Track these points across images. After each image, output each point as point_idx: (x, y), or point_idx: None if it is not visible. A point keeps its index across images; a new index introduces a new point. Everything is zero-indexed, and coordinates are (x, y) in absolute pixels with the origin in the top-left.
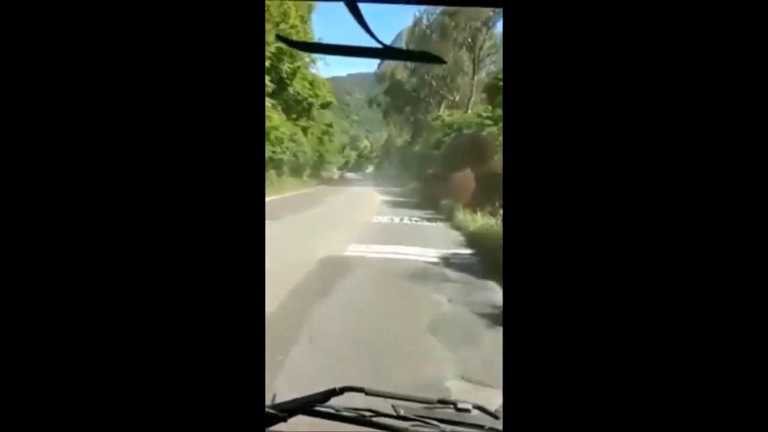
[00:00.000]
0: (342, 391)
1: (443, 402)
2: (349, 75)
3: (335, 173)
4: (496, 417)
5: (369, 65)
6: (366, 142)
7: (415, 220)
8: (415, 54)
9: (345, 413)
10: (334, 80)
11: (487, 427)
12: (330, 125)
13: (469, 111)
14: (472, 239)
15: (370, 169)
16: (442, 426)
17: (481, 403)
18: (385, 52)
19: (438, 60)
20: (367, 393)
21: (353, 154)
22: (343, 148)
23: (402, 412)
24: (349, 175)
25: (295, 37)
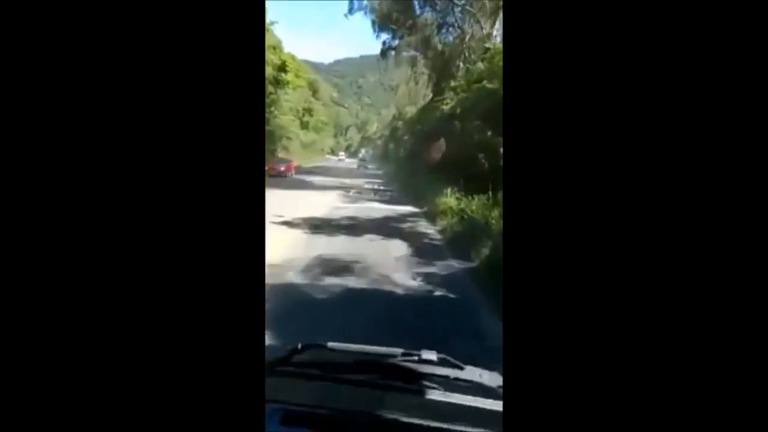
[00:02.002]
0: (304, 348)
1: (407, 354)
2: (362, 56)
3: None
4: (460, 367)
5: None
6: (376, 125)
7: None
8: None
9: (309, 371)
10: (347, 62)
11: (451, 378)
12: (284, 67)
13: None
14: None
15: (363, 152)
16: (406, 378)
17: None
18: None
19: None
20: (330, 349)
21: (357, 137)
22: (347, 129)
23: (365, 366)
24: (344, 162)
25: None
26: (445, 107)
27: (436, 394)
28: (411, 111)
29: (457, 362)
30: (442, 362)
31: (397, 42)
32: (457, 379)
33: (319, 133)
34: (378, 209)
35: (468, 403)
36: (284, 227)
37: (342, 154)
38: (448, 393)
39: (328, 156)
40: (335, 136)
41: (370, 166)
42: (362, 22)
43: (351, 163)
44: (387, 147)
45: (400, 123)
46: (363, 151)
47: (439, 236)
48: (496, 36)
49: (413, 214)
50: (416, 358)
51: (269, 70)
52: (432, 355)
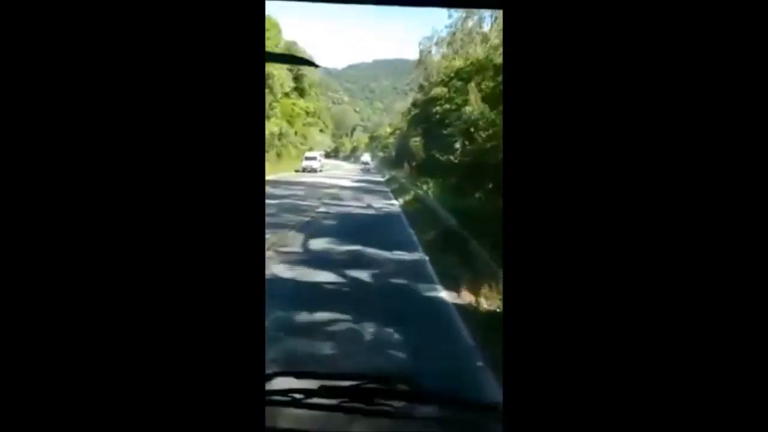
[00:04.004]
0: (271, 377)
1: (369, 378)
2: (375, 61)
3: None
4: (418, 387)
5: (396, 51)
6: (388, 129)
7: None
8: (288, 57)
9: (276, 398)
10: (360, 66)
11: (409, 397)
12: None
13: None
14: None
15: (366, 157)
16: (368, 400)
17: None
18: None
19: (312, 63)
20: (297, 376)
21: (363, 137)
22: (353, 129)
23: (332, 391)
24: (317, 175)
25: None
26: None
27: (398, 414)
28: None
29: (417, 382)
30: (402, 383)
31: None
32: (417, 398)
33: (294, 124)
34: None
35: (426, 421)
36: None
37: (317, 156)
38: (408, 411)
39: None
40: (340, 137)
41: (378, 178)
42: (376, 26)
43: (340, 174)
44: (404, 145)
45: (438, 89)
46: (366, 155)
47: None
48: None
49: None
50: (379, 381)
51: None
52: (393, 378)
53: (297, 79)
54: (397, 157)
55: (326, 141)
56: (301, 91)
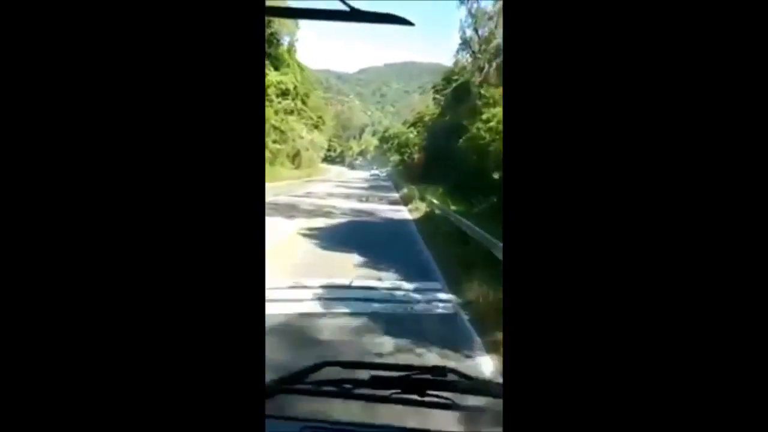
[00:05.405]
0: (320, 366)
1: (419, 368)
2: (386, 65)
3: None
4: (469, 378)
5: (407, 55)
6: (403, 128)
7: None
8: (382, 15)
9: (325, 388)
10: (372, 70)
11: (461, 388)
12: None
13: None
14: None
15: (360, 161)
16: (420, 391)
17: None
18: (352, 15)
19: (406, 22)
20: (345, 366)
21: (373, 140)
22: (362, 131)
23: (383, 382)
24: (315, 186)
25: None
26: None
27: (450, 405)
28: None
29: (466, 373)
30: (452, 374)
31: None
32: (466, 390)
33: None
34: None
35: (479, 412)
36: None
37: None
38: (459, 404)
39: (324, 165)
40: (347, 139)
41: (404, 214)
42: (387, 30)
43: (322, 192)
44: (444, 138)
45: None
46: (359, 159)
47: None
48: None
49: None
50: (428, 373)
51: None
52: (442, 369)
53: (268, 41)
54: (429, 162)
55: (320, 140)
56: (275, 60)
